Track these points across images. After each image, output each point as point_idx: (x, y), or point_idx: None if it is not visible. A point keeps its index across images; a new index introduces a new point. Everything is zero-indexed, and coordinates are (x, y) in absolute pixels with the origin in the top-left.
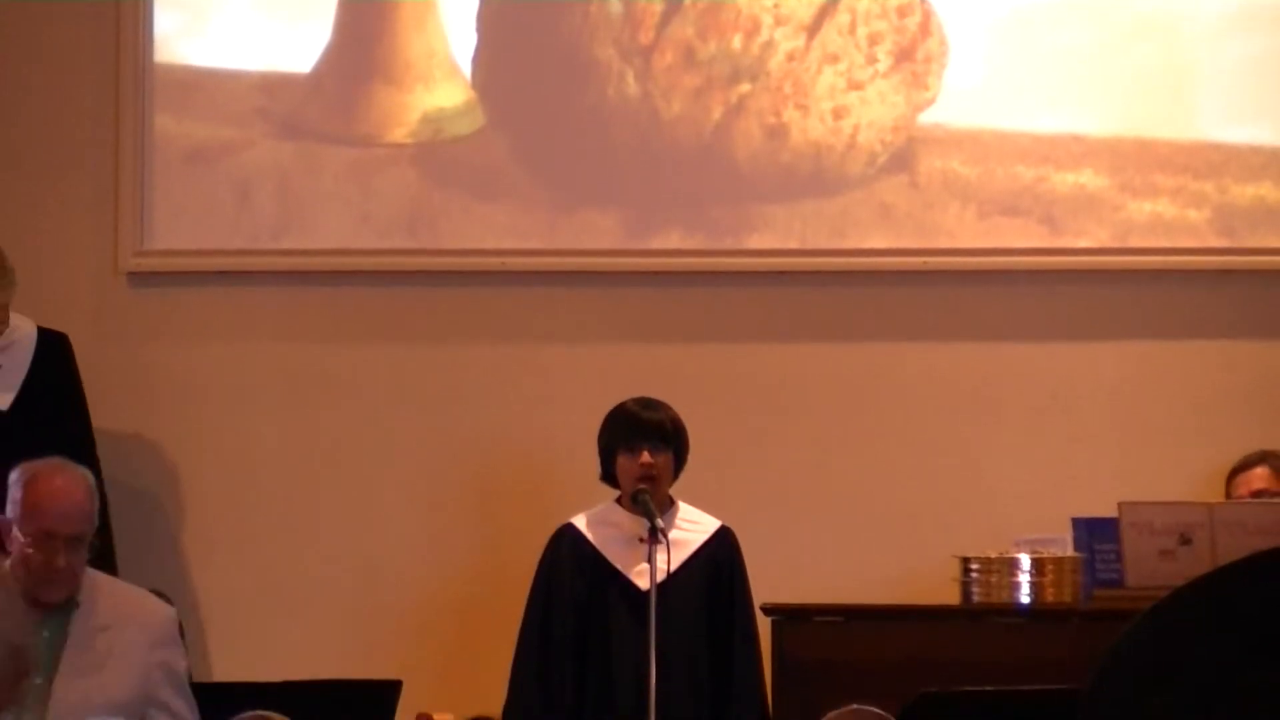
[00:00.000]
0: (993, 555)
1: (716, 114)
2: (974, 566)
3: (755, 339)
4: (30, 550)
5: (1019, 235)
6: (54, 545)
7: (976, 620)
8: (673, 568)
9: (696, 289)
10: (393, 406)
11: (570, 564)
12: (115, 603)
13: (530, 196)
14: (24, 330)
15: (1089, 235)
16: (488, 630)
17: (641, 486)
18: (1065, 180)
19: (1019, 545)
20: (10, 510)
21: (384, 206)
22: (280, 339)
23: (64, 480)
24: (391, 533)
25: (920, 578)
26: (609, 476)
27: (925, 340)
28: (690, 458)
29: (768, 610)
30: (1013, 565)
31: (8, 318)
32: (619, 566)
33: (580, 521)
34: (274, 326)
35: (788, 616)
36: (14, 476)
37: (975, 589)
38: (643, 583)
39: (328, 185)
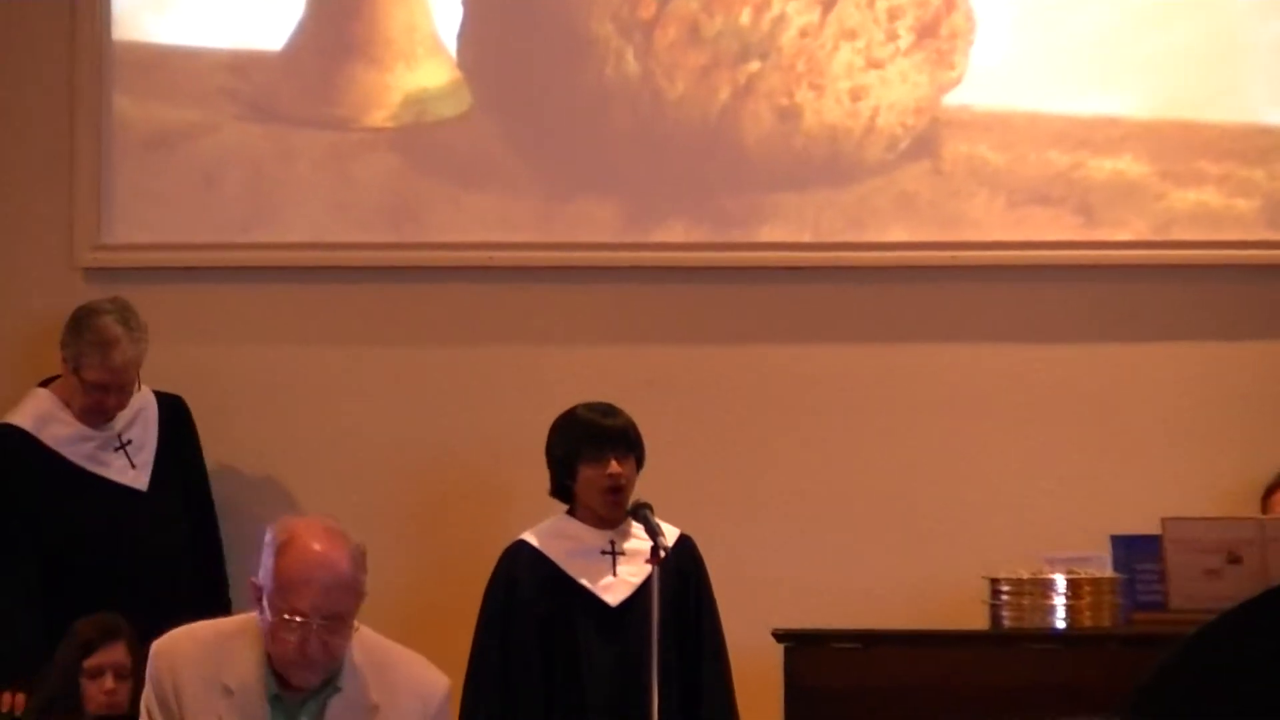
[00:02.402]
0: (1024, 575)
1: (723, 95)
2: (1004, 588)
3: (765, 340)
4: (281, 631)
5: (1052, 227)
6: (309, 626)
7: (1006, 646)
8: (638, 580)
9: (701, 285)
10: (373, 412)
11: (530, 580)
12: (385, 677)
13: (521, 185)
14: (146, 398)
15: (1128, 227)
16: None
17: (643, 501)
18: (1102, 167)
19: (1053, 564)
20: (261, 575)
21: (363, 196)
22: (250, 340)
23: (326, 548)
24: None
25: (945, 600)
26: (563, 490)
27: (950, 341)
28: (695, 468)
29: (779, 636)
30: (1046, 586)
31: (137, 379)
32: (583, 582)
33: (533, 537)
34: (243, 327)
35: (800, 642)
36: (269, 536)
37: (1005, 612)
38: (611, 598)
39: (302, 173)
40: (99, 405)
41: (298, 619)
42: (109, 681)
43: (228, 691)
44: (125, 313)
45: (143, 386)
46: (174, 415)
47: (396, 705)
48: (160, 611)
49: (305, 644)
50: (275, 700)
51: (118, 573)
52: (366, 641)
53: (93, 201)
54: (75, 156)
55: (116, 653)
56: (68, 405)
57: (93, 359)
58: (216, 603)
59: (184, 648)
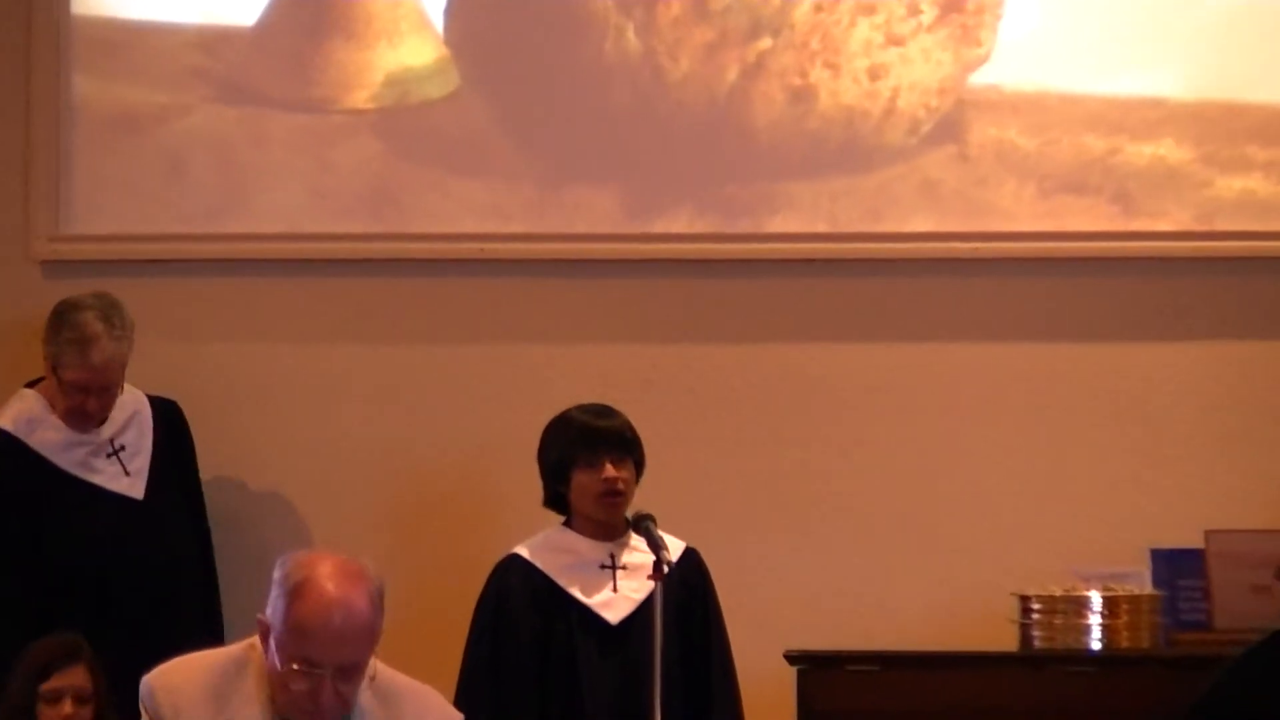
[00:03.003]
0: (1057, 592)
1: (731, 74)
2: (1034, 606)
3: (775, 338)
4: (291, 681)
5: (1086, 217)
6: (322, 674)
7: (1038, 669)
8: (640, 596)
9: (707, 280)
10: (354, 416)
11: (524, 597)
12: (393, 714)
13: (513, 171)
14: (138, 403)
15: (1169, 217)
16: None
17: (645, 512)
18: (1141, 152)
19: (1087, 580)
20: (271, 614)
21: (342, 183)
22: (221, 338)
23: (344, 591)
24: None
25: (971, 618)
26: (557, 499)
27: (975, 340)
28: (700, 477)
29: (791, 657)
30: (1080, 604)
31: (123, 380)
32: (582, 598)
33: (525, 550)
34: (213, 324)
35: (815, 664)
36: (279, 571)
37: (1036, 632)
38: (611, 615)
39: (276, 158)
40: (80, 407)
41: (310, 669)
42: (67, 706)
43: None
44: (108, 308)
45: (134, 390)
46: (169, 420)
47: None
48: (159, 626)
49: (318, 694)
50: None
51: (113, 586)
52: (374, 675)
53: (51, 190)
54: (31, 141)
55: (76, 676)
56: (54, 408)
57: (71, 357)
58: (211, 619)
59: (187, 685)
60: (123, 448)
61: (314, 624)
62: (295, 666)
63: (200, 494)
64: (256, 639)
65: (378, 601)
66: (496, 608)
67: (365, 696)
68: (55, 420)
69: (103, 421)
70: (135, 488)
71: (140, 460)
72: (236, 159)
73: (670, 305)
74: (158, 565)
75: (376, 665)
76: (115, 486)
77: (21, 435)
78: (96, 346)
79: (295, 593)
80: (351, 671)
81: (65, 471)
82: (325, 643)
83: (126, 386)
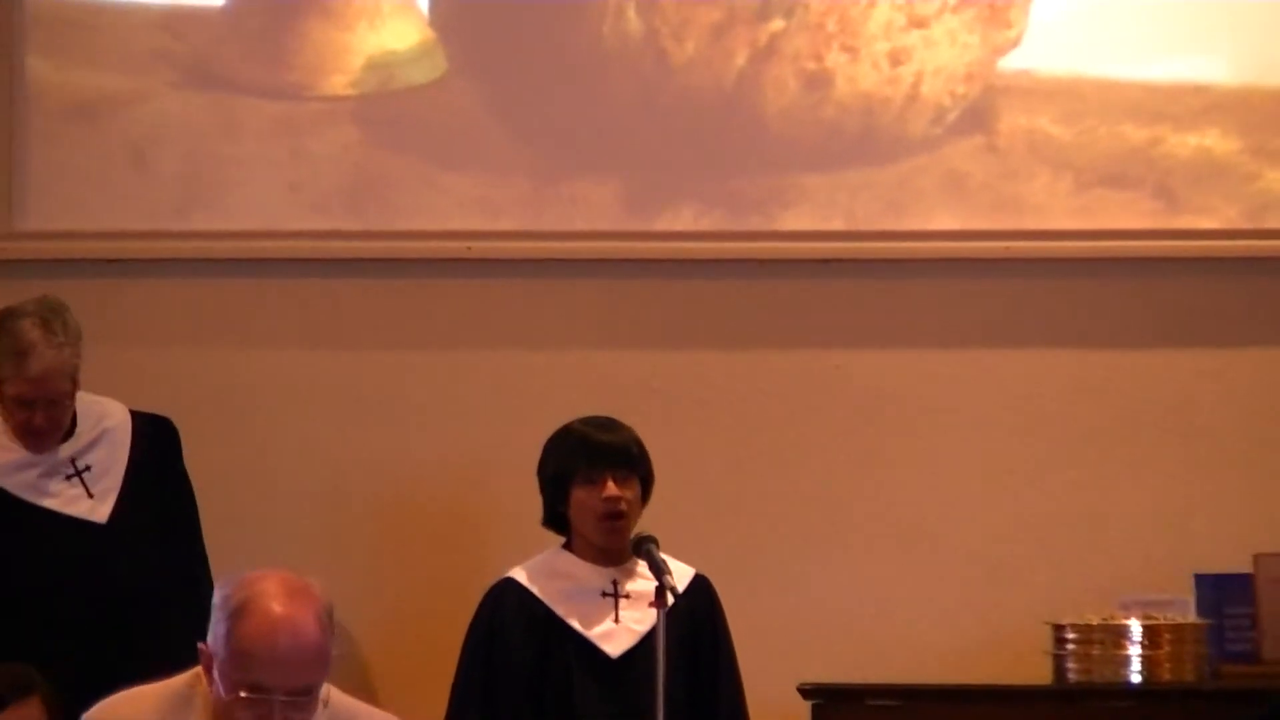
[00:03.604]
0: (1094, 621)
1: (741, 58)
2: (1070, 635)
3: (789, 344)
4: (238, 710)
5: (1126, 213)
6: (270, 701)
7: (1073, 703)
8: (644, 627)
9: (714, 280)
10: (333, 427)
11: (518, 627)
12: None
13: (505, 163)
14: (116, 418)
15: (1215, 213)
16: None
17: (647, 534)
18: (1185, 143)
19: (1127, 608)
20: (212, 641)
21: (320, 175)
22: (188, 343)
23: (289, 610)
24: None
25: (1001, 649)
26: (557, 518)
27: (1006, 346)
28: (707, 494)
29: (806, 691)
30: (1119, 634)
31: (73, 391)
32: (580, 628)
33: (522, 575)
34: (180, 328)
35: (831, 698)
36: (220, 595)
37: (1071, 664)
38: (611, 648)
39: (248, 148)
40: (27, 423)
41: (257, 696)
42: None
43: None
44: (49, 314)
45: (111, 405)
46: (156, 439)
47: None
48: (116, 659)
49: None
50: None
51: (64, 614)
52: (331, 705)
53: (3, 183)
54: None
55: (29, 710)
56: (7, 426)
57: (8, 369)
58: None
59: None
60: (87, 468)
61: (259, 646)
62: (242, 694)
63: (189, 519)
64: (201, 670)
65: (327, 622)
66: (488, 638)
67: (325, 714)
68: (5, 440)
69: (63, 439)
70: (98, 511)
71: (109, 481)
72: (205, 150)
73: (674, 308)
74: (117, 594)
75: (331, 692)
76: (73, 510)
77: None
78: (34, 356)
79: (237, 614)
80: (302, 698)
81: (14, 495)
82: (272, 666)
83: (104, 400)
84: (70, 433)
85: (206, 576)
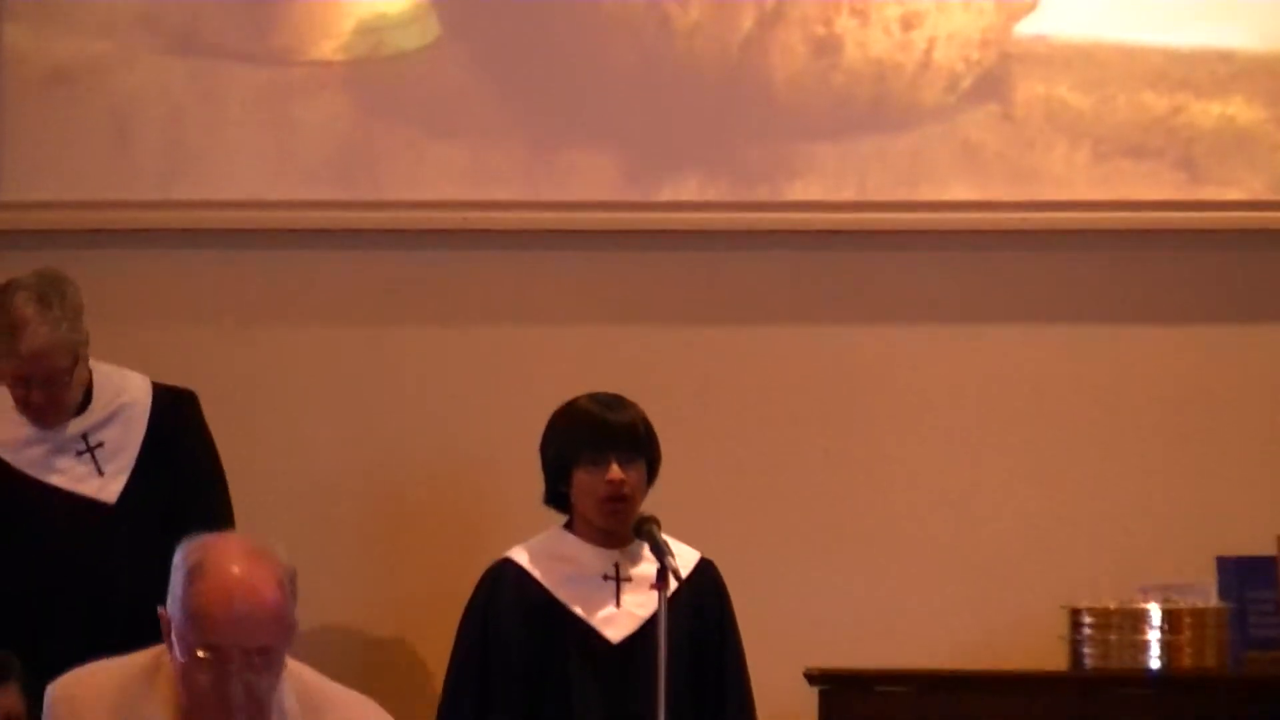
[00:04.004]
0: (1112, 606)
1: (747, 23)
2: (1087, 620)
3: (798, 319)
4: (194, 672)
5: (1147, 184)
6: (228, 665)
7: (1090, 691)
8: (646, 612)
9: (719, 253)
10: (325, 405)
11: (515, 611)
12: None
13: (500, 131)
14: (134, 393)
15: (1239, 184)
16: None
17: (648, 515)
18: (1209, 111)
19: (1146, 593)
20: (170, 605)
21: (308, 144)
22: (171, 318)
23: (246, 570)
24: (297, 556)
25: (1015, 634)
26: (558, 498)
27: (1022, 321)
28: (711, 475)
29: (813, 677)
30: (1138, 619)
31: (73, 366)
32: (580, 613)
33: (522, 556)
34: (163, 301)
35: (839, 685)
36: (178, 557)
37: (1089, 649)
38: (612, 633)
39: (233, 116)
40: (24, 401)
41: (213, 656)
42: None
43: None
44: (47, 288)
45: (133, 378)
46: (175, 414)
47: None
48: (113, 646)
49: (224, 686)
50: None
51: (63, 597)
52: (301, 683)
53: None
54: None
55: (6, 698)
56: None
57: (2, 346)
58: None
59: (88, 695)
60: (100, 445)
61: (215, 605)
62: (199, 654)
63: (210, 504)
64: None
65: (288, 586)
66: (483, 622)
67: (289, 702)
68: (16, 415)
69: (76, 413)
70: (107, 490)
71: (122, 460)
72: (188, 118)
73: (677, 282)
74: (120, 578)
75: (304, 672)
76: (81, 488)
77: None
78: (27, 333)
79: (193, 575)
80: (260, 661)
81: (20, 471)
82: (228, 626)
83: (125, 373)
84: (85, 407)
85: None
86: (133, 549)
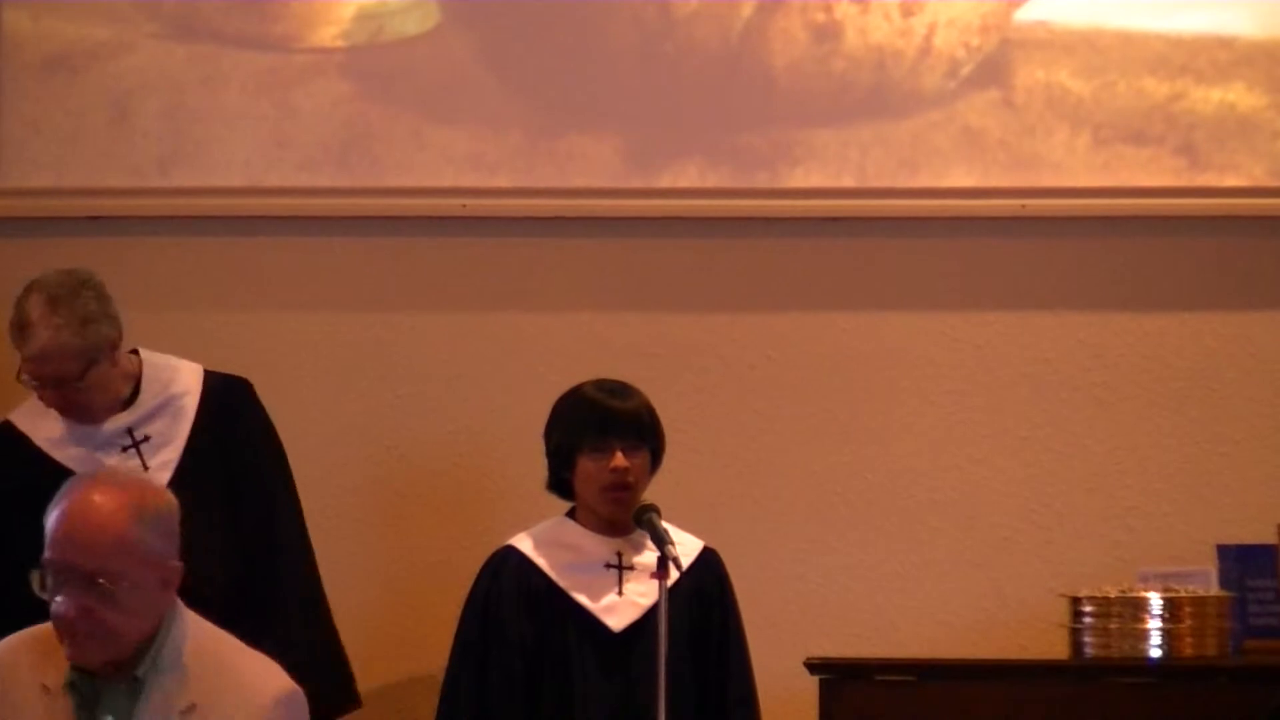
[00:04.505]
0: (1112, 594)
1: (747, 9)
2: (1087, 609)
3: (797, 306)
4: (47, 595)
5: (1147, 170)
6: (62, 585)
7: (1091, 679)
8: (648, 602)
9: (720, 240)
10: (325, 392)
11: (516, 598)
12: (212, 677)
13: (500, 117)
14: (184, 384)
15: (1240, 170)
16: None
17: (649, 504)
18: (1209, 98)
19: (1147, 580)
20: None
21: (307, 130)
22: (170, 304)
23: (94, 495)
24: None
25: (1015, 623)
26: (561, 484)
27: (1022, 307)
28: (711, 463)
29: (813, 666)
30: (1138, 607)
31: (84, 371)
32: (583, 601)
33: (525, 543)
34: (162, 288)
35: (840, 674)
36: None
37: (1089, 638)
38: (614, 621)
39: (233, 102)
40: (43, 399)
41: (51, 573)
42: None
43: (45, 690)
44: (60, 291)
45: (184, 367)
46: (227, 404)
47: (217, 705)
48: None
49: (59, 605)
50: (71, 688)
51: None
52: (204, 638)
53: None
54: None
55: None
56: None
57: (15, 343)
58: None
59: (17, 651)
60: (146, 439)
61: (55, 522)
62: (42, 573)
63: (269, 492)
64: None
65: (143, 517)
66: (485, 610)
67: (185, 656)
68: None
69: (123, 406)
70: None
71: (168, 453)
72: (188, 104)
73: (677, 269)
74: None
75: (213, 634)
76: None
77: (24, 427)
78: (31, 334)
79: (56, 499)
80: (98, 587)
81: (64, 466)
82: (65, 543)
83: (175, 364)
84: (133, 400)
85: (289, 565)
86: (186, 540)
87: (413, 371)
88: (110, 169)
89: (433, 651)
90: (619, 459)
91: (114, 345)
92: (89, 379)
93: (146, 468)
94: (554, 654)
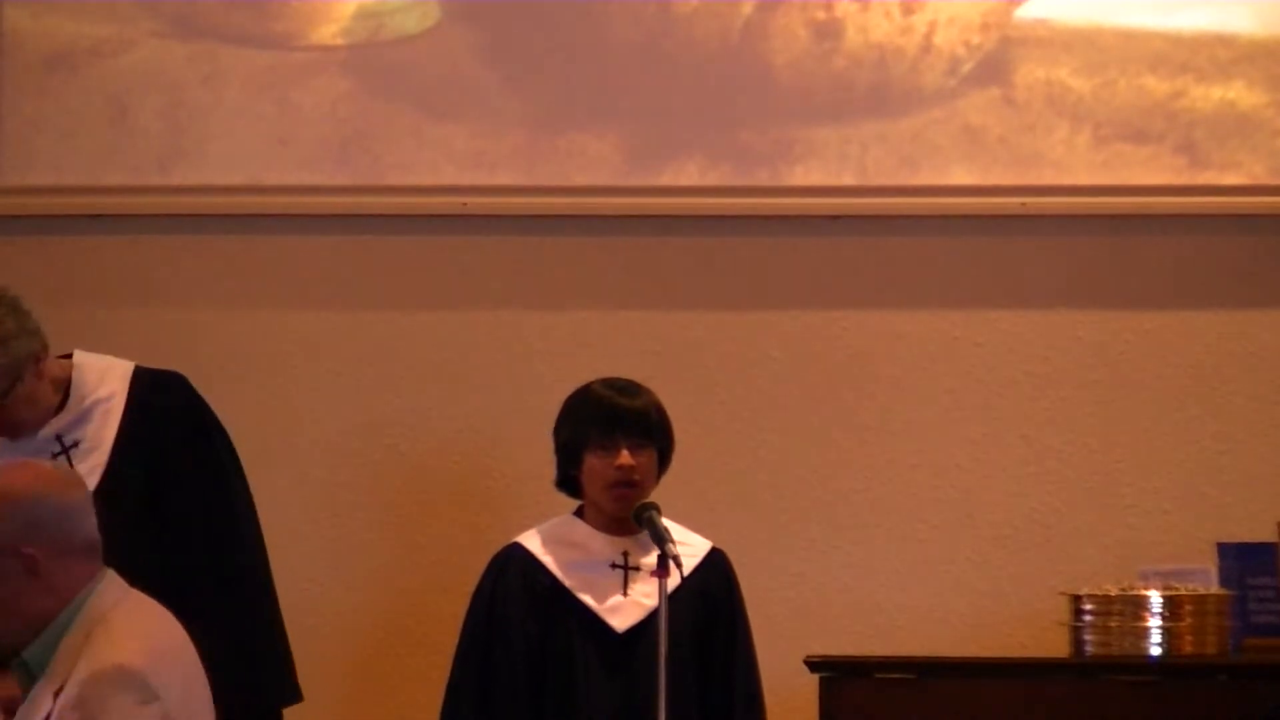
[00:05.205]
0: (1112, 592)
1: (747, 7)
2: (1087, 607)
3: (798, 304)
4: None
5: (1148, 168)
6: None
7: (1091, 677)
8: (653, 602)
9: (721, 238)
10: (327, 391)
11: (522, 597)
12: (81, 651)
13: (501, 115)
14: (111, 386)
15: (1240, 168)
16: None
17: (648, 502)
18: (1209, 96)
19: (1147, 579)
20: None
21: (308, 128)
22: (170, 302)
23: None
24: (304, 543)
25: (1016, 621)
26: (569, 482)
27: (1023, 306)
28: (712, 461)
29: (814, 664)
30: (1139, 605)
31: (21, 374)
32: (588, 601)
33: (532, 541)
34: (164, 285)
35: (840, 672)
36: None
37: (1089, 636)
38: (618, 622)
39: (233, 100)
40: None
41: None
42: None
43: None
44: None
45: (114, 366)
46: (155, 400)
47: (73, 679)
48: None
49: None
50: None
51: None
52: (90, 618)
53: None
54: None
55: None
56: None
57: None
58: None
59: None
60: (75, 444)
61: None
62: None
63: (205, 488)
64: None
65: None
66: (490, 607)
67: (75, 634)
68: None
69: (56, 412)
70: None
71: (96, 457)
72: (188, 101)
73: (677, 267)
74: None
75: (107, 609)
76: None
77: None
78: None
79: None
80: None
81: None
82: None
83: (107, 364)
84: (62, 406)
85: (230, 557)
86: (118, 540)
87: (413, 370)
88: (110, 167)
89: (434, 651)
90: (624, 456)
91: (38, 359)
92: (15, 395)
93: None
94: (558, 653)
